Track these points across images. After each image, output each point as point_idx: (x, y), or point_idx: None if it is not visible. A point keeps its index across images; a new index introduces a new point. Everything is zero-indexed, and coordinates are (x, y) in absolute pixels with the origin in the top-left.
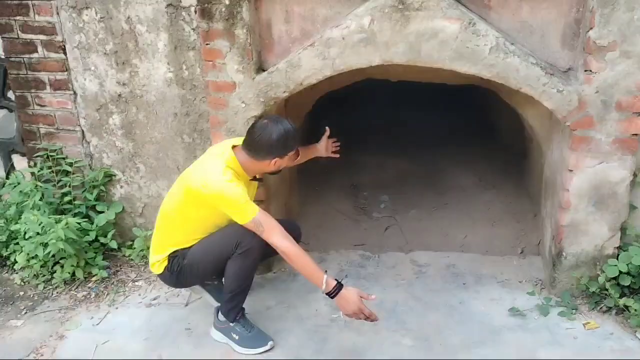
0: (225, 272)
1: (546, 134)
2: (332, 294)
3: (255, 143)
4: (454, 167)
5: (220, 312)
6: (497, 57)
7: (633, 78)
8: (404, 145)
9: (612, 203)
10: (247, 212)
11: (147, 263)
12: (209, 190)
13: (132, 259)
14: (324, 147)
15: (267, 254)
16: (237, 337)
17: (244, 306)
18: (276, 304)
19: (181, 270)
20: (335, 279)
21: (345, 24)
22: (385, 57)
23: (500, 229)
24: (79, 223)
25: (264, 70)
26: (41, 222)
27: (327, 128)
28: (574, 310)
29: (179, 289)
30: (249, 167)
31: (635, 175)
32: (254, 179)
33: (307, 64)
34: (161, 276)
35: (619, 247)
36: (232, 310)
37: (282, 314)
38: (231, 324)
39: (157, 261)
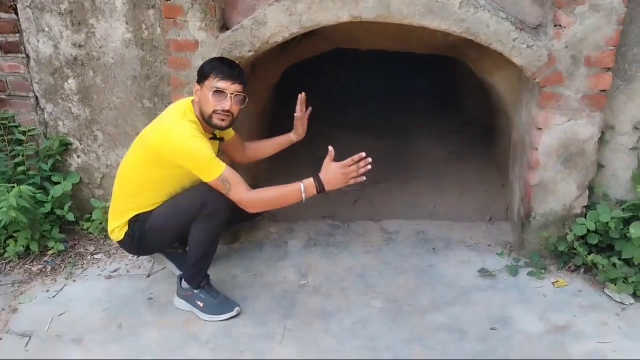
0: (190, 235)
1: (514, 99)
2: (319, 188)
3: None
4: (423, 142)
5: (183, 280)
6: (467, 11)
7: (602, 33)
8: (371, 121)
9: (581, 161)
10: (214, 168)
11: (106, 236)
12: (173, 147)
13: (90, 232)
14: (298, 132)
15: (233, 220)
16: (201, 304)
17: (208, 273)
18: (242, 272)
19: (143, 235)
20: (311, 177)
21: None
22: (354, 13)
23: (469, 197)
24: (33, 193)
25: (227, 29)
26: None
27: (301, 94)
28: (542, 270)
29: (140, 260)
30: (199, 116)
31: (602, 133)
32: (214, 137)
33: (273, 21)
34: (121, 243)
35: (587, 207)
36: (196, 276)
37: (248, 281)
38: (195, 290)
39: (117, 227)
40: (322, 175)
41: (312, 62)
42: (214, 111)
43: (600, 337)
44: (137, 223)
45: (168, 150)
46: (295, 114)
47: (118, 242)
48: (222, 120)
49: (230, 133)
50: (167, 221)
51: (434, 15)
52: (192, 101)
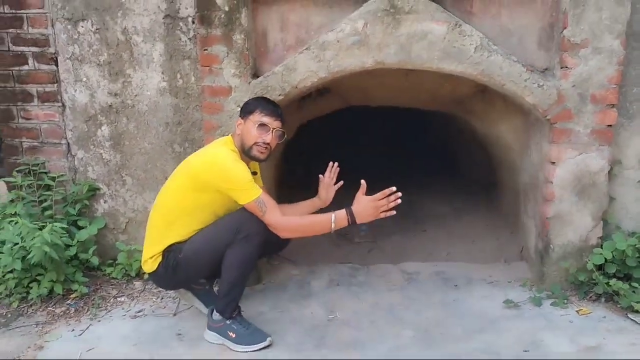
0: (224, 261)
1: (520, 146)
2: (351, 220)
3: None
4: (427, 199)
5: (215, 311)
6: (482, 55)
7: (605, 72)
8: (374, 181)
9: (594, 192)
10: (252, 191)
11: (129, 280)
12: (216, 170)
13: (113, 277)
14: (322, 198)
15: (265, 249)
16: (233, 335)
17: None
18: (269, 309)
19: (177, 265)
20: (343, 209)
21: (340, 27)
22: (378, 59)
23: (481, 244)
24: (64, 230)
25: (258, 77)
26: (20, 232)
27: (335, 164)
28: (565, 300)
29: (165, 301)
30: (239, 148)
31: (611, 167)
32: None
33: (303, 67)
34: (154, 275)
35: (601, 238)
36: (229, 305)
37: (276, 317)
38: (227, 321)
39: (151, 257)
40: (354, 207)
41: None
42: (255, 143)
43: (633, 354)
44: (171, 253)
45: (211, 173)
46: (322, 180)
47: (150, 274)
48: (261, 152)
49: (259, 181)
50: (202, 248)
51: (452, 59)
52: (232, 135)
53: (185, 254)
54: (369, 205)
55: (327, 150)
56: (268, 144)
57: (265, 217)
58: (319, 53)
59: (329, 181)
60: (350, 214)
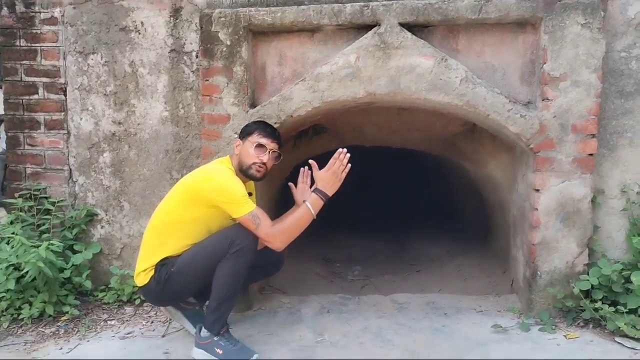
0: (215, 275)
1: (509, 182)
2: (323, 197)
3: None
4: (421, 243)
5: (203, 327)
6: (467, 87)
7: (584, 104)
8: (368, 226)
9: (578, 219)
10: (247, 205)
11: (121, 305)
12: (211, 183)
13: (105, 302)
14: (300, 194)
15: (257, 273)
16: (220, 352)
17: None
18: (258, 332)
19: (169, 278)
20: (311, 192)
21: (334, 61)
22: (369, 89)
23: (472, 282)
24: (59, 251)
25: (256, 107)
26: (17, 251)
27: (305, 168)
28: (553, 327)
29: (155, 324)
30: (236, 167)
31: (595, 196)
32: None
33: (298, 97)
34: (144, 289)
35: (588, 265)
36: (217, 321)
37: (265, 339)
38: (215, 338)
39: (144, 270)
40: (318, 185)
41: None
42: (253, 163)
43: None
44: (164, 267)
45: (207, 187)
46: (293, 187)
47: (141, 287)
48: (258, 171)
49: (254, 201)
50: (195, 261)
51: (439, 90)
52: (230, 156)
53: (178, 267)
54: (328, 175)
55: None
56: (265, 163)
57: (258, 230)
58: (313, 84)
59: (303, 186)
60: (320, 192)
